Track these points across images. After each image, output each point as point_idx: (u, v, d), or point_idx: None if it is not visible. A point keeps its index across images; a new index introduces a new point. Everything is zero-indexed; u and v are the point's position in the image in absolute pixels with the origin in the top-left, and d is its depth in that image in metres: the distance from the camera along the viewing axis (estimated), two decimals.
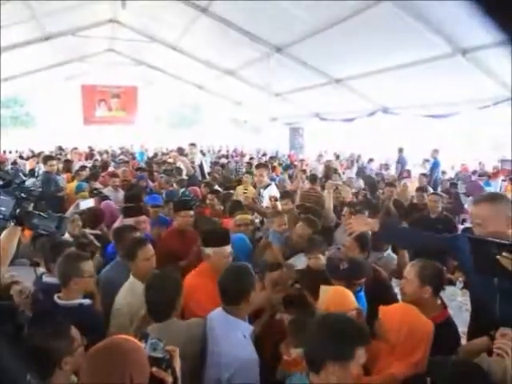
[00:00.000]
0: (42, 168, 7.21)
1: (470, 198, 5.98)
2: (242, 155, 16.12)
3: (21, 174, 3.63)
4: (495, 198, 2.13)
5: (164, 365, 1.35)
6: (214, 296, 2.24)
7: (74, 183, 6.64)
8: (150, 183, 7.29)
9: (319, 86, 9.57)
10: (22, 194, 2.01)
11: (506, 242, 1.86)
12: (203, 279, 2.57)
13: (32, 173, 8.48)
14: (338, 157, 13.74)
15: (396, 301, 2.46)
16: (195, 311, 2.40)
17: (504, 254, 1.80)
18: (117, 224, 3.99)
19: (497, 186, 8.84)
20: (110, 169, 8.83)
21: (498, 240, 1.88)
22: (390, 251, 3.65)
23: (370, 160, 12.56)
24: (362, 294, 2.51)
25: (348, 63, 8.14)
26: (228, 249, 2.63)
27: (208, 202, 5.19)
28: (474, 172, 10.70)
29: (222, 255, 2.59)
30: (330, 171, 8.22)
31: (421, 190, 5.97)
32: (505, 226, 2.01)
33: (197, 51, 10.81)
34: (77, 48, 11.61)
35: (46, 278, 2.68)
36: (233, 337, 2.02)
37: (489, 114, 8.65)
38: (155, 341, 1.38)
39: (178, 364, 1.42)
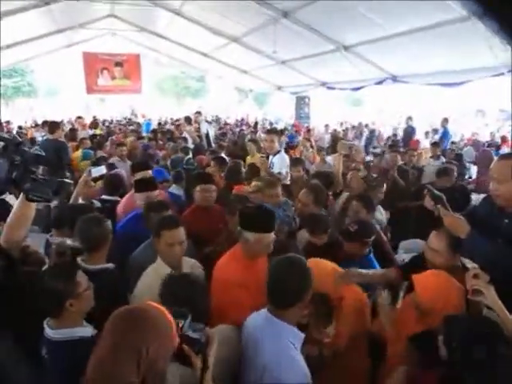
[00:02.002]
0: (45, 136, 7.13)
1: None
2: (248, 124, 16.00)
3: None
4: None
5: (197, 347, 1.30)
6: (250, 288, 2.09)
7: (79, 152, 6.63)
8: (158, 153, 7.22)
9: (327, 53, 9.30)
10: (18, 158, 1.82)
11: (439, 194, 2.10)
12: (238, 267, 2.22)
13: (33, 141, 8.45)
14: (341, 124, 13.59)
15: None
16: (227, 308, 2.08)
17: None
18: (127, 198, 3.61)
19: None
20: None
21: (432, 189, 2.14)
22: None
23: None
24: (372, 256, 2.59)
25: (357, 29, 7.85)
26: (272, 236, 2.21)
27: (208, 169, 4.99)
28: (484, 144, 10.57)
29: (264, 243, 2.19)
30: (336, 141, 8.11)
31: (413, 149, 6.07)
32: None
33: (201, 17, 10.47)
34: (77, 14, 11.30)
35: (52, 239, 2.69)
36: (281, 347, 1.64)
37: (502, 83, 8.42)
38: (192, 324, 1.33)
39: (213, 352, 1.35)
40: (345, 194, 4.08)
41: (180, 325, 1.29)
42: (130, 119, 18.26)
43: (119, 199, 3.82)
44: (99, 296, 1.87)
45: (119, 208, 3.59)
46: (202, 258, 2.64)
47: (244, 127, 15.02)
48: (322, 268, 2.22)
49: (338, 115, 18.22)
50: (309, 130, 11.76)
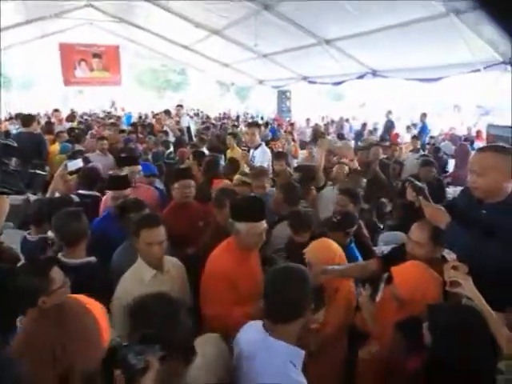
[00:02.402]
0: (19, 129, 6.92)
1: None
2: (230, 118, 15.93)
3: None
4: (503, 149, 2.01)
5: (128, 374, 1.15)
6: (240, 281, 2.10)
7: (56, 145, 6.46)
8: (139, 146, 7.11)
9: (308, 47, 9.32)
10: None
11: (421, 185, 2.14)
12: (230, 259, 2.19)
13: (7, 134, 8.18)
14: (323, 118, 13.69)
15: None
16: (211, 299, 2.06)
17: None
18: (106, 197, 3.41)
19: None
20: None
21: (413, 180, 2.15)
22: None
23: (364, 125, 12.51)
24: (353, 245, 2.65)
25: (339, 23, 7.89)
26: (264, 224, 2.19)
27: (187, 162, 4.99)
28: (461, 138, 10.82)
29: (256, 232, 2.16)
30: (318, 134, 8.17)
31: (396, 144, 6.24)
32: (501, 181, 1.95)
33: (181, 9, 10.31)
34: (53, 3, 10.95)
35: (30, 237, 2.64)
36: (280, 369, 1.47)
37: (479, 79, 8.63)
38: (141, 348, 1.19)
39: (152, 377, 1.20)
40: (329, 188, 4.12)
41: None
42: (109, 112, 17.92)
43: (98, 194, 3.72)
44: (80, 290, 1.81)
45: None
46: (183, 258, 2.52)
47: (226, 121, 14.95)
48: (329, 250, 2.32)
49: (320, 109, 18.30)
50: (292, 124, 11.78)
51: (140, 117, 15.30)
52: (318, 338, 2.02)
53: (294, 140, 8.36)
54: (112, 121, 11.68)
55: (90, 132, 8.35)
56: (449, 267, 1.75)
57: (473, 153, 2.13)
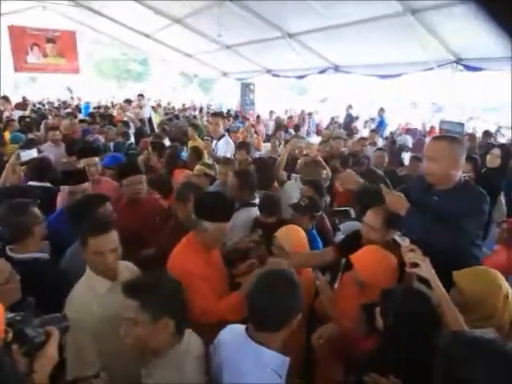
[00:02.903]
0: None
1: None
2: (194, 109, 15.73)
3: None
4: (455, 139, 2.20)
5: (26, 347, 1.12)
6: (210, 279, 2.06)
7: (6, 134, 6.12)
8: (99, 137, 6.84)
9: (272, 40, 9.35)
10: None
11: (381, 173, 2.07)
12: (197, 259, 2.09)
13: None
14: (286, 112, 13.86)
15: None
16: (193, 299, 1.91)
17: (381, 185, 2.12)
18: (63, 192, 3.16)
19: None
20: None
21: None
22: None
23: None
24: (315, 231, 2.73)
25: (302, 17, 7.95)
26: (230, 224, 2.15)
27: (145, 154, 4.91)
28: (419, 132, 11.30)
29: (224, 232, 2.14)
30: (280, 127, 8.26)
31: (363, 139, 6.59)
32: (453, 169, 2.13)
33: None
34: None
35: None
36: (264, 378, 1.43)
37: (433, 77, 9.00)
38: (42, 319, 1.17)
39: (47, 354, 1.17)
40: (291, 181, 4.18)
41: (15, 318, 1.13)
42: (64, 102, 17.12)
43: (50, 186, 3.54)
44: (26, 287, 1.75)
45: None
46: (139, 261, 2.29)
47: (191, 112, 14.76)
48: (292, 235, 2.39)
49: (284, 103, 18.44)
50: (258, 117, 11.85)
51: (99, 107, 14.75)
52: None
53: (256, 132, 8.40)
54: (68, 110, 11.20)
55: (44, 121, 7.95)
56: (407, 250, 1.83)
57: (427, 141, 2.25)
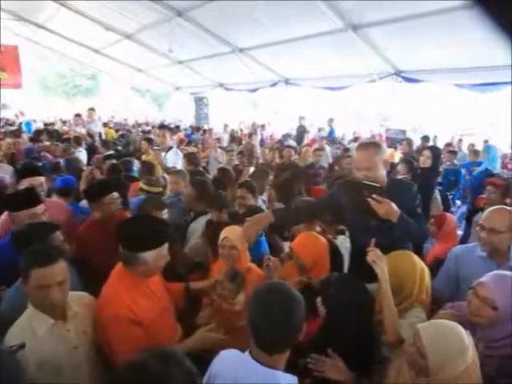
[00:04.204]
0: None
1: None
2: (147, 124, 15.56)
3: None
4: (376, 143, 2.42)
5: None
6: (151, 310, 1.89)
7: None
8: (48, 155, 6.58)
9: (223, 55, 9.53)
10: None
11: (376, 185, 2.12)
12: (132, 296, 1.87)
13: None
14: (239, 124, 14.16)
15: None
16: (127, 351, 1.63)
17: (373, 196, 2.08)
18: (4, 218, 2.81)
19: None
20: None
21: (368, 182, 2.14)
22: None
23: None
24: (263, 238, 2.84)
25: (251, 33, 8.20)
26: (167, 245, 1.95)
27: (88, 168, 4.73)
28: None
29: (164, 254, 1.93)
30: (234, 140, 8.43)
31: (319, 149, 6.78)
32: (382, 170, 2.31)
33: (90, 10, 9.86)
34: None
35: None
36: None
37: (377, 89, 9.58)
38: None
39: None
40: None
41: None
42: (7, 119, 16.30)
43: None
44: None
45: None
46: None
47: (144, 127, 14.60)
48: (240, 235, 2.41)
49: (238, 116, 18.73)
50: (210, 129, 12.06)
51: (46, 124, 14.19)
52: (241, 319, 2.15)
53: (220, 147, 8.64)
54: (12, 128, 10.71)
55: None
56: (369, 250, 1.95)
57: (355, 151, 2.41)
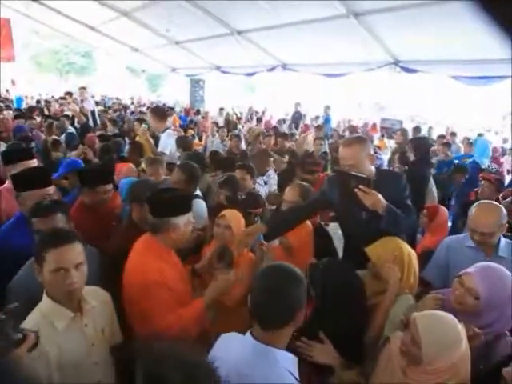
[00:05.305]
0: None
1: None
2: (141, 105, 15.38)
3: None
4: (362, 139, 2.41)
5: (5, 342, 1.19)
6: (178, 279, 2.00)
7: None
8: (41, 134, 6.47)
9: (221, 37, 9.37)
10: None
11: (363, 176, 2.15)
12: (160, 264, 1.95)
13: None
14: (232, 109, 14.09)
15: None
16: (153, 313, 1.81)
17: (360, 186, 2.11)
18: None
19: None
20: None
21: (356, 173, 2.17)
22: None
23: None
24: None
25: (251, 15, 8.06)
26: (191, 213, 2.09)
27: (80, 148, 4.79)
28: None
29: (190, 221, 2.07)
30: (230, 124, 8.37)
31: (319, 139, 6.75)
32: (368, 165, 2.33)
33: None
34: None
35: None
36: (275, 376, 1.34)
37: (375, 78, 9.55)
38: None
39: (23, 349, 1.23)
40: None
41: None
42: None
43: None
44: None
45: None
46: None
47: (139, 108, 14.42)
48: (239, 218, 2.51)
49: (234, 100, 18.57)
50: (206, 113, 11.98)
51: (38, 101, 13.94)
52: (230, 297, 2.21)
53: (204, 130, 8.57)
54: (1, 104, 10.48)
55: None
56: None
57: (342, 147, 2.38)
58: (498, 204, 2.35)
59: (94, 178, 2.80)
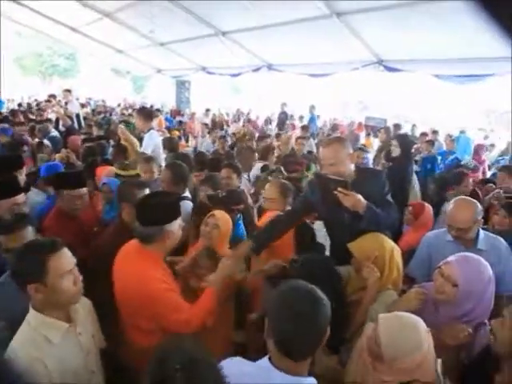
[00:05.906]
0: None
1: None
2: (127, 107, 15.26)
3: None
4: (341, 139, 2.45)
5: None
6: (175, 286, 1.99)
7: None
8: (28, 138, 6.33)
9: (206, 38, 9.36)
10: None
11: (340, 179, 2.18)
12: (157, 268, 1.94)
13: None
14: (219, 110, 14.10)
15: None
16: (168, 313, 1.85)
17: (339, 189, 2.13)
18: None
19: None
20: None
21: (333, 177, 2.20)
22: None
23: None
24: (241, 222, 2.87)
25: (235, 16, 8.07)
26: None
27: (63, 151, 4.74)
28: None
29: (181, 224, 2.04)
30: (216, 125, 8.38)
31: (302, 138, 6.75)
32: (348, 164, 2.34)
33: None
34: None
35: None
36: None
37: (359, 77, 9.65)
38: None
39: None
40: None
41: None
42: None
43: None
44: None
45: None
46: None
47: (124, 111, 14.30)
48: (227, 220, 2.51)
49: (220, 101, 18.55)
50: (193, 114, 11.94)
51: (20, 104, 13.73)
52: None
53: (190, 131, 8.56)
54: None
55: None
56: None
57: (323, 148, 2.40)
58: (473, 200, 2.40)
59: (67, 181, 2.70)
